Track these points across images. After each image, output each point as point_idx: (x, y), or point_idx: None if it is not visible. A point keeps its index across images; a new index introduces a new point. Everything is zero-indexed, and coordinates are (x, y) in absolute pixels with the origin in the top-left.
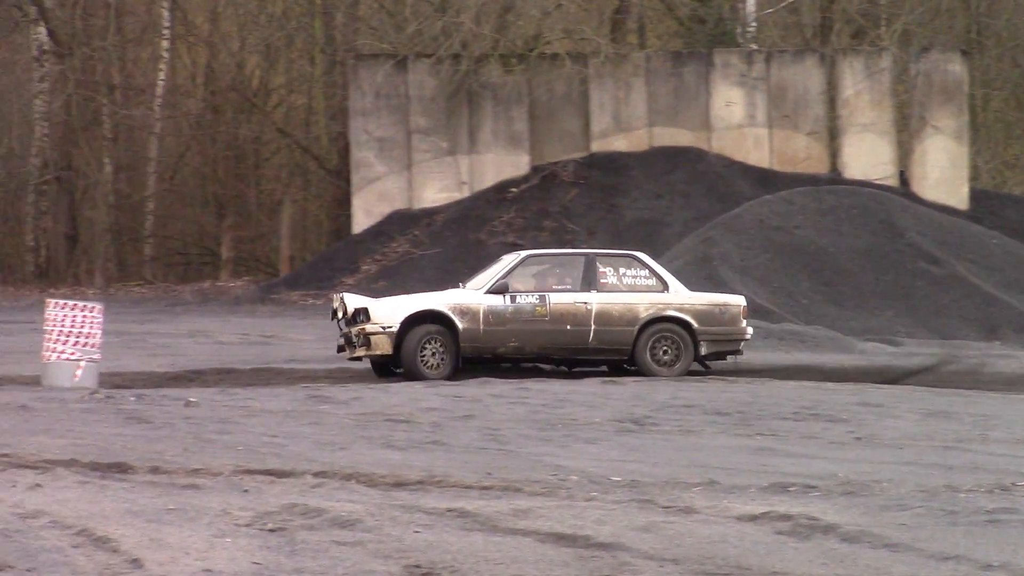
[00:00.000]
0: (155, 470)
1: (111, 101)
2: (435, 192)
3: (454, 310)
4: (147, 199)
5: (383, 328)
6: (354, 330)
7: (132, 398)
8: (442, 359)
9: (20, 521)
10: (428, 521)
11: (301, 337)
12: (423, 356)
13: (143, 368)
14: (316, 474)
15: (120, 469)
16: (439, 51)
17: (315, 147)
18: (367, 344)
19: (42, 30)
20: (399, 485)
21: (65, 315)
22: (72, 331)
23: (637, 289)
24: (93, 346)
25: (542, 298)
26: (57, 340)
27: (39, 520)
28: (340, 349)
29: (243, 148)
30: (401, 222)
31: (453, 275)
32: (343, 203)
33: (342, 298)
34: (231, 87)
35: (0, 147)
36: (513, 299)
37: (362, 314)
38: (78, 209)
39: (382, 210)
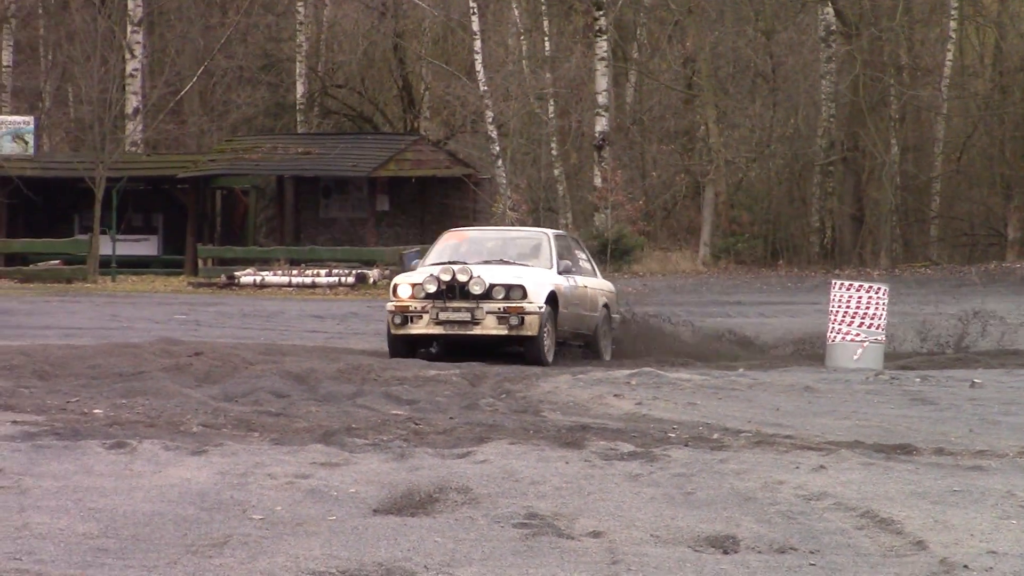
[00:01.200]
0: (940, 451)
1: (898, 82)
2: None
3: (557, 291)
4: (933, 180)
5: (539, 308)
6: (498, 307)
7: (917, 379)
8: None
9: (803, 503)
10: None
11: None
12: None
13: (924, 346)
14: None
15: (904, 451)
16: None
17: None
18: (520, 324)
19: (829, 10)
20: None
21: (851, 296)
22: (857, 312)
23: (589, 273)
24: (878, 327)
25: (577, 281)
26: (842, 321)
27: (822, 502)
28: (404, 321)
29: None
30: None
31: None
32: None
33: (470, 271)
34: (1020, 68)
35: (786, 127)
36: (572, 281)
37: (516, 291)
38: (864, 190)
39: None
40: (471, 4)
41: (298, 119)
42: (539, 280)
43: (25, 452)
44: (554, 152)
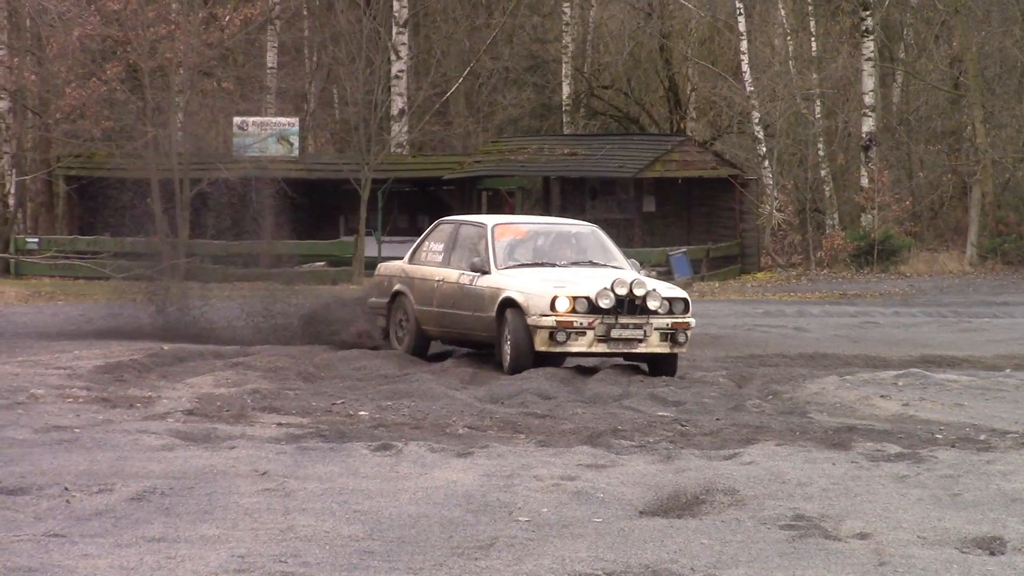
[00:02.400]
0: None
1: None
2: None
3: None
4: None
5: (694, 323)
6: (665, 323)
7: None
8: None
9: None
10: None
11: None
12: None
13: None
14: None
15: None
16: None
17: None
18: (685, 341)
19: None
20: None
21: None
22: None
23: None
24: None
25: None
26: None
27: None
28: (566, 337)
29: None
30: None
31: None
32: None
33: (645, 284)
34: None
35: None
36: None
37: (679, 305)
38: None
39: None
40: (737, 4)
41: (564, 120)
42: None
43: (290, 454)
44: (821, 153)
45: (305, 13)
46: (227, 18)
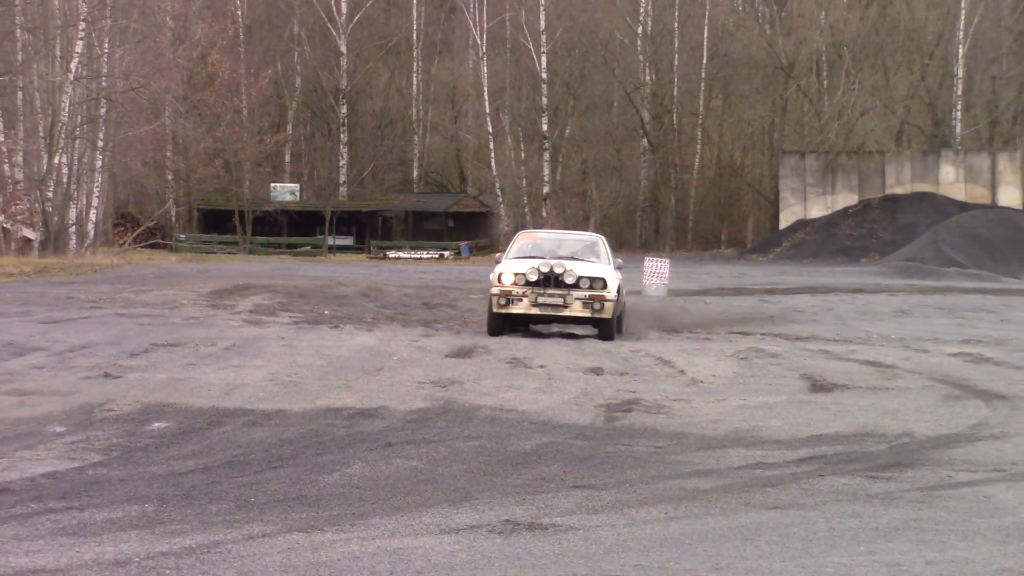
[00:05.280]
0: (691, 331)
1: (674, 171)
2: (816, 212)
3: (620, 283)
4: (689, 213)
5: (614, 297)
6: (584, 295)
7: (680, 300)
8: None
9: (632, 355)
10: (811, 355)
11: (754, 273)
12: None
13: (687, 287)
14: (762, 335)
15: (675, 330)
16: (820, 149)
17: (764, 191)
18: (600, 309)
19: (645, 140)
20: (798, 339)
21: (652, 263)
22: (655, 271)
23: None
24: (664, 277)
25: (620, 274)
26: (649, 275)
27: (639, 353)
28: (507, 302)
29: (732, 193)
30: (801, 225)
31: (824, 248)
32: (775, 216)
33: (564, 265)
34: (727, 163)
35: (626, 190)
36: (619, 274)
37: (598, 283)
38: (660, 218)
39: (792, 220)
40: (489, 136)
41: (415, 186)
42: (611, 274)
43: (294, 330)
44: (526, 201)
45: (302, 139)
46: (269, 140)
